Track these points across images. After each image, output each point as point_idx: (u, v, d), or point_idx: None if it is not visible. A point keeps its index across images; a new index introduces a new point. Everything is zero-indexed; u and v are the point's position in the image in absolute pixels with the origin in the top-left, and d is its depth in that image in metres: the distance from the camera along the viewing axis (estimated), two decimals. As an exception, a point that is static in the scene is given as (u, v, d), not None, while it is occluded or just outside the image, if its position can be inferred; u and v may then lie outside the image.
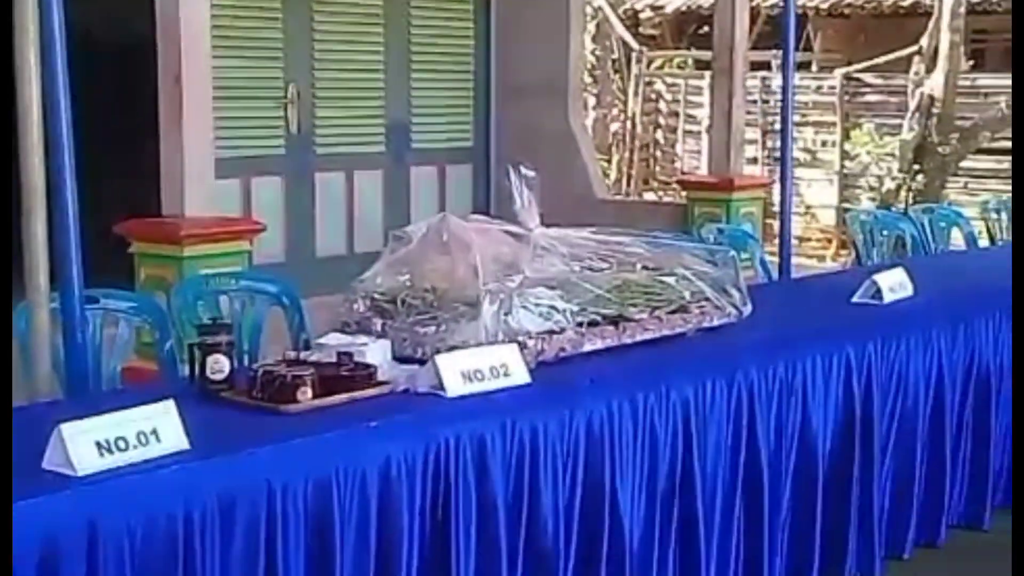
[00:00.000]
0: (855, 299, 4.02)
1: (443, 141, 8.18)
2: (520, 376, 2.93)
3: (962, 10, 10.28)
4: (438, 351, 2.94)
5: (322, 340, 3.09)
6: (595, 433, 3.03)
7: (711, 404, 3.31)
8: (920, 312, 4.04)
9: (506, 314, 3.06)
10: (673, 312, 3.39)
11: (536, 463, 2.89)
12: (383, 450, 2.61)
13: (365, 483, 2.56)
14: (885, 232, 5.88)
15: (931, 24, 11.05)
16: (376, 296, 3.24)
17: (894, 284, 4.04)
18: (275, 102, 7.21)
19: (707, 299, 3.48)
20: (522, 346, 3.00)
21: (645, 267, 3.47)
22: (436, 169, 8.11)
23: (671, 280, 3.44)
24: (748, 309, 3.53)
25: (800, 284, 4.72)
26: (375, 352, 2.95)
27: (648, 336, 3.31)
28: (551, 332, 3.11)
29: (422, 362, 2.93)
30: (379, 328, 3.15)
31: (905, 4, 13.46)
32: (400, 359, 3.02)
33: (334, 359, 2.90)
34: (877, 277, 4.01)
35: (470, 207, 8.00)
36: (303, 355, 3.03)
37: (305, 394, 2.70)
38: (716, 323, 3.48)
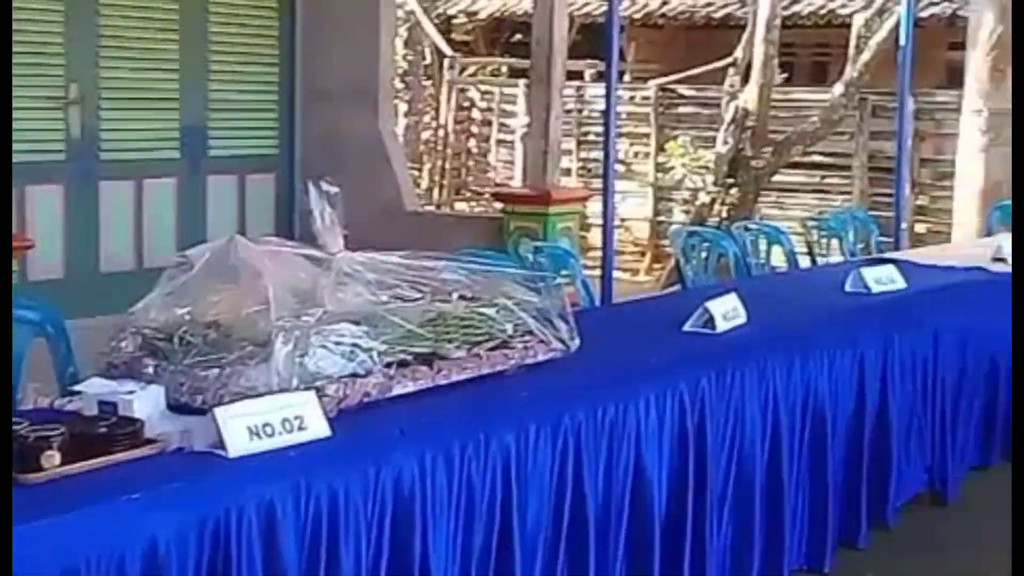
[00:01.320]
0: (687, 327, 3.73)
1: (244, 148, 7.65)
2: (318, 429, 2.50)
3: (777, 23, 10.25)
4: (220, 400, 2.50)
5: (80, 387, 2.61)
6: (404, 491, 2.63)
7: (535, 452, 2.95)
8: (754, 341, 3.77)
9: (302, 355, 2.63)
10: (494, 348, 3.02)
11: (335, 530, 2.47)
12: (147, 528, 2.16)
13: (124, 572, 2.10)
14: (707, 250, 5.65)
15: (745, 36, 11.03)
16: (148, 332, 2.76)
17: (727, 311, 3.76)
18: (54, 103, 6.58)
19: (531, 332, 3.11)
20: (321, 393, 2.58)
21: (462, 297, 3.08)
22: (236, 178, 7.57)
23: (491, 311, 3.06)
24: (576, 343, 3.18)
25: (628, 311, 4.42)
26: (144, 402, 2.49)
27: (466, 376, 2.92)
28: (355, 375, 2.69)
29: (202, 412, 2.48)
30: (151, 371, 2.68)
31: (718, 16, 13.50)
32: (176, 408, 2.56)
33: (94, 411, 2.43)
34: (710, 304, 3.72)
35: (272, 219, 7.50)
36: (57, 404, 2.55)
37: (51, 459, 2.22)
38: (541, 359, 3.12)
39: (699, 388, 3.45)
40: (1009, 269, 5.18)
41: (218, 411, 2.40)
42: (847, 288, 4.46)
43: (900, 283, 4.51)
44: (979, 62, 9.38)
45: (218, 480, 2.31)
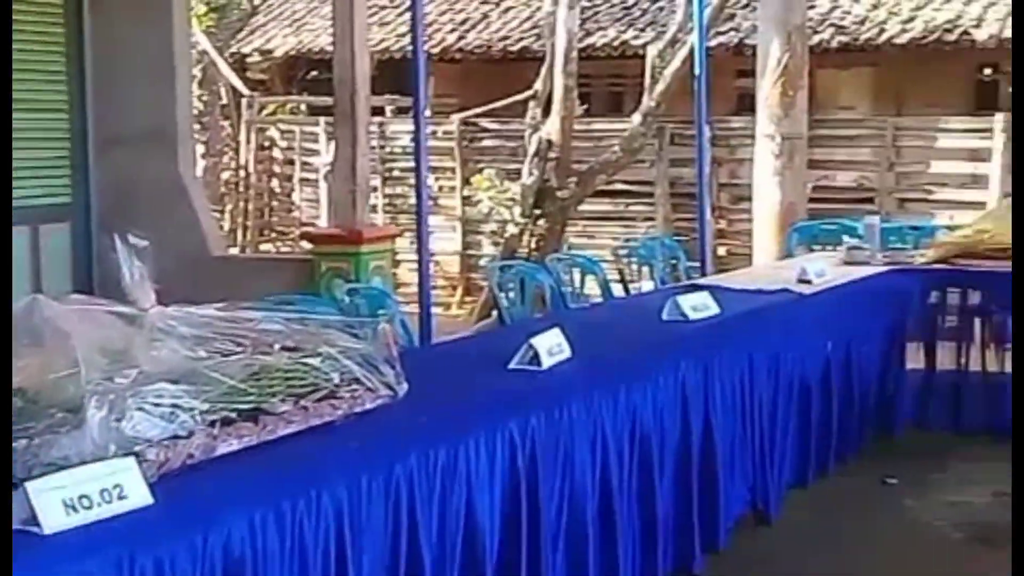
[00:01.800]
0: (513, 365, 3.69)
1: (35, 197, 7.30)
2: (139, 497, 2.36)
3: (574, 55, 10.40)
4: (31, 473, 2.33)
5: None
6: (235, 554, 2.49)
7: (368, 503, 2.85)
8: (580, 375, 3.76)
9: (118, 419, 2.47)
10: (321, 399, 2.91)
11: (163, 603, 2.33)
12: (-43, 620, 1.98)
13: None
14: (522, 283, 5.65)
15: (544, 69, 11.15)
16: (-55, 405, 2.57)
17: (552, 346, 3.74)
18: None
19: (358, 380, 3.02)
20: (141, 458, 2.43)
21: (284, 348, 2.96)
22: (28, 229, 7.20)
23: (316, 361, 2.95)
24: (404, 388, 3.11)
25: (451, 350, 4.36)
26: (-55, 481, 2.30)
27: (293, 430, 2.81)
28: (176, 437, 2.55)
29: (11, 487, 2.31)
30: (-49, 446, 2.48)
31: (516, 49, 13.64)
32: (-20, 485, 2.38)
33: None
34: (535, 341, 3.69)
35: (69, 271, 7.17)
36: None
37: None
38: (369, 406, 3.03)
39: (528, 426, 3.41)
40: (816, 289, 5.33)
41: (29, 485, 2.23)
42: (664, 316, 4.50)
43: (714, 309, 4.58)
44: (768, 89, 9.70)
45: (33, 560, 2.15)
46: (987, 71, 12.98)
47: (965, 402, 5.98)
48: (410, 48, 13.58)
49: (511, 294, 5.70)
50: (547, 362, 3.68)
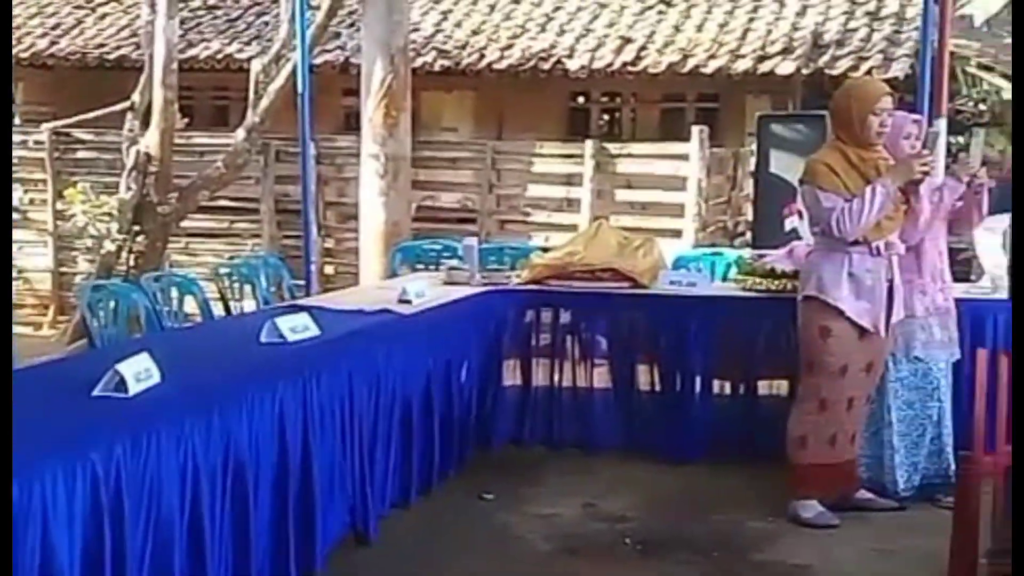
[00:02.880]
0: (97, 392, 3.47)
1: None
2: None
3: (174, 66, 10.06)
4: None
5: None
6: None
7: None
8: (170, 401, 3.58)
9: None
10: None
11: None
12: None
13: None
14: (116, 304, 5.38)
15: (143, 80, 10.72)
16: None
17: (139, 372, 3.55)
18: None
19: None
20: None
21: None
22: None
23: None
24: (-31, 422, 2.84)
25: (31, 377, 4.04)
26: None
27: None
28: None
29: None
30: None
31: (112, 58, 13.06)
32: None
33: None
34: (120, 367, 3.49)
35: None
36: None
37: None
38: (-74, 443, 2.75)
39: (113, 457, 3.22)
40: (416, 310, 5.38)
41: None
42: (263, 339, 4.39)
43: (314, 330, 4.52)
44: (373, 109, 9.78)
45: None
46: (580, 99, 13.69)
47: (558, 418, 6.22)
48: None
49: (103, 315, 5.40)
50: (134, 388, 3.49)
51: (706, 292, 6.15)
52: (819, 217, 4.91)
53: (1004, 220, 5.36)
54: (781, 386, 6.03)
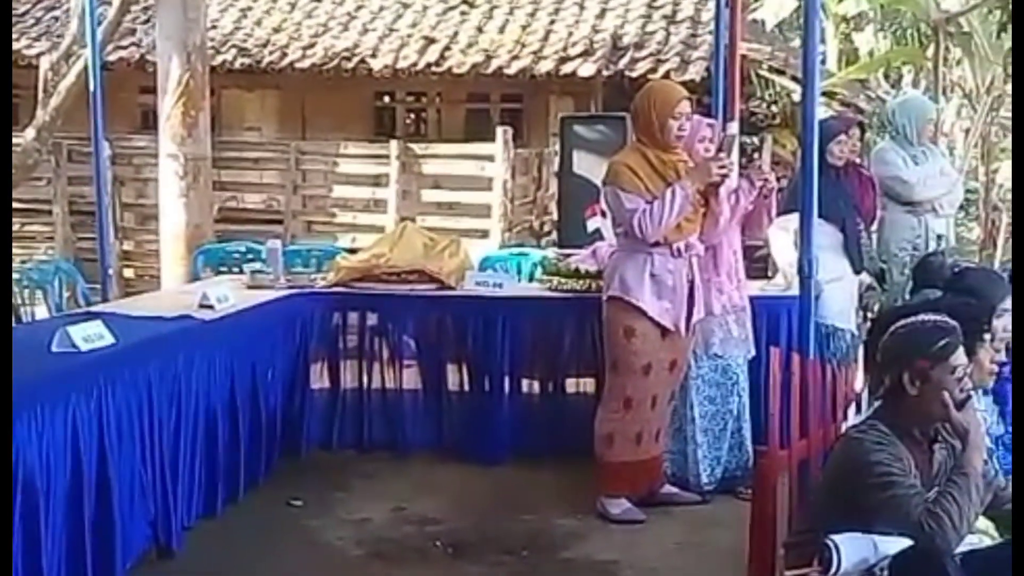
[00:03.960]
0: None
1: None
2: None
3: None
4: None
5: None
6: None
7: None
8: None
9: None
10: None
11: None
12: None
13: None
14: None
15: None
16: None
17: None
18: None
19: None
20: None
21: None
22: None
23: None
24: None
25: None
26: None
27: None
28: None
29: None
30: None
31: None
32: None
33: None
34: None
35: None
36: None
37: None
38: None
39: None
40: (219, 315, 5.24)
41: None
42: (54, 348, 4.21)
43: (109, 338, 4.35)
44: (170, 108, 9.50)
45: None
46: (385, 99, 13.63)
47: (367, 421, 6.16)
48: None
49: None
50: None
51: (512, 292, 6.18)
52: (621, 218, 4.99)
53: (795, 219, 5.54)
54: (588, 384, 6.11)
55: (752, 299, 5.49)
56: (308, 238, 10.52)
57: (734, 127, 5.58)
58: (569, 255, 6.63)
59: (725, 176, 4.99)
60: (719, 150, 5.06)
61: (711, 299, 5.20)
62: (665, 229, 4.90)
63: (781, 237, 5.89)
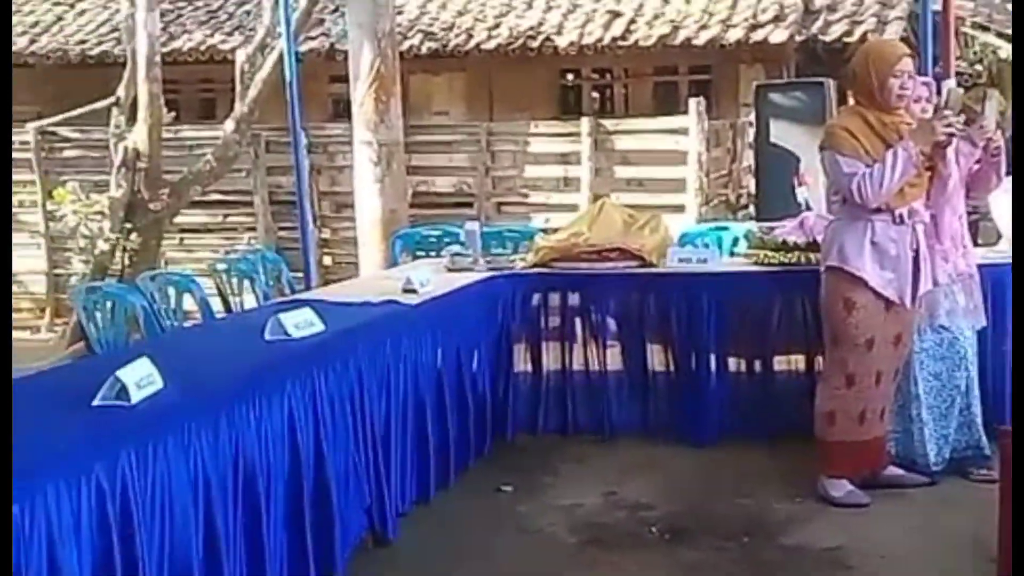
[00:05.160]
0: (98, 401, 3.30)
1: None
2: None
3: (157, 60, 9.84)
4: None
5: None
6: None
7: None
8: (174, 407, 3.41)
9: None
10: None
11: None
12: None
13: None
14: (112, 306, 5.20)
15: (126, 75, 10.50)
16: None
17: (140, 378, 3.38)
18: None
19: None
20: None
21: None
22: None
23: None
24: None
25: (29, 387, 3.85)
26: None
27: None
28: None
29: None
30: None
31: (95, 53, 12.84)
32: None
33: None
34: (121, 373, 3.32)
35: None
36: None
37: None
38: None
39: (118, 468, 3.05)
40: (422, 299, 5.21)
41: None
42: (267, 336, 4.22)
43: (319, 325, 4.35)
44: (362, 95, 9.57)
45: None
46: (570, 76, 13.49)
47: (572, 403, 6.06)
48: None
49: (100, 318, 5.22)
50: (136, 396, 3.31)
51: (718, 268, 5.99)
52: (839, 183, 4.74)
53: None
54: (798, 361, 5.89)
55: (978, 267, 5.16)
56: (500, 219, 10.48)
57: (951, 84, 5.27)
58: (772, 227, 6.41)
59: (952, 136, 4.68)
60: (942, 107, 4.76)
61: (936, 269, 4.89)
62: (887, 194, 4.63)
63: (1006, 201, 5.53)
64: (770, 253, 5.87)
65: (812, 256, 5.65)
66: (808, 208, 6.67)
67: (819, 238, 5.70)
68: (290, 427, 3.91)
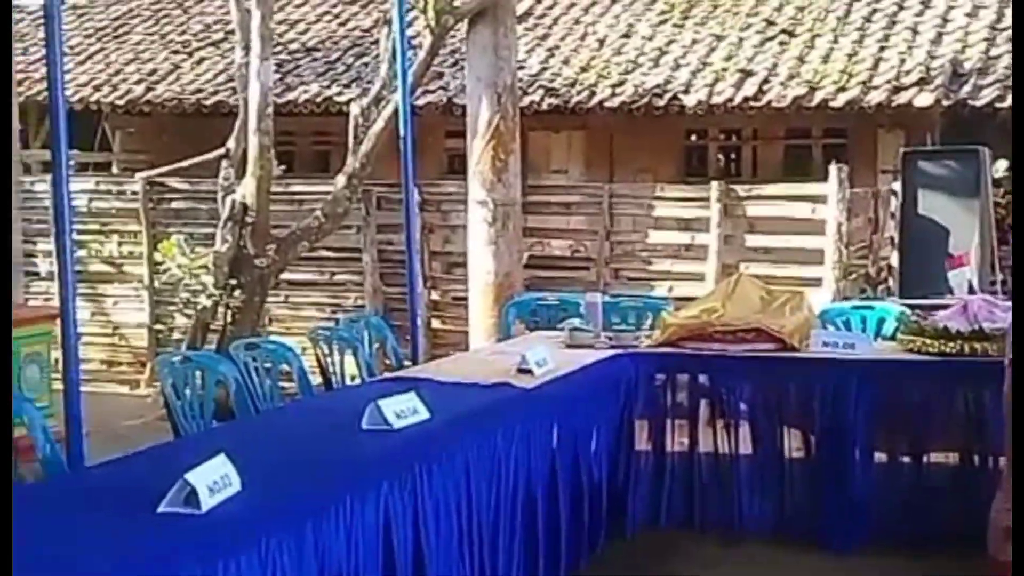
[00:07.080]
0: (163, 508, 2.84)
1: None
2: None
3: (270, 111, 9.52)
4: None
5: None
6: None
7: None
8: (249, 516, 2.94)
9: None
10: None
11: None
12: None
13: None
14: (203, 378, 4.77)
15: (238, 125, 10.23)
16: None
17: (214, 480, 2.91)
18: None
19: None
20: None
21: None
22: None
23: None
24: None
25: (91, 485, 3.40)
26: None
27: None
28: None
29: None
30: None
31: (210, 103, 12.65)
32: None
33: None
34: (191, 476, 2.84)
35: None
36: None
37: None
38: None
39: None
40: (538, 382, 4.70)
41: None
42: (364, 425, 3.73)
43: (424, 413, 3.85)
44: (479, 152, 9.14)
45: None
46: (694, 137, 12.94)
47: (698, 494, 5.52)
48: (89, 97, 12.39)
49: (188, 393, 4.78)
50: (207, 502, 2.84)
51: (869, 355, 5.39)
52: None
53: None
54: (953, 460, 5.28)
55: None
56: (618, 286, 9.91)
57: None
58: (918, 306, 5.83)
59: None
60: None
61: None
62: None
63: None
64: (929, 341, 5.31)
65: (977, 346, 5.10)
66: (971, 291, 6.04)
67: (986, 325, 5.10)
68: (385, 534, 3.41)
